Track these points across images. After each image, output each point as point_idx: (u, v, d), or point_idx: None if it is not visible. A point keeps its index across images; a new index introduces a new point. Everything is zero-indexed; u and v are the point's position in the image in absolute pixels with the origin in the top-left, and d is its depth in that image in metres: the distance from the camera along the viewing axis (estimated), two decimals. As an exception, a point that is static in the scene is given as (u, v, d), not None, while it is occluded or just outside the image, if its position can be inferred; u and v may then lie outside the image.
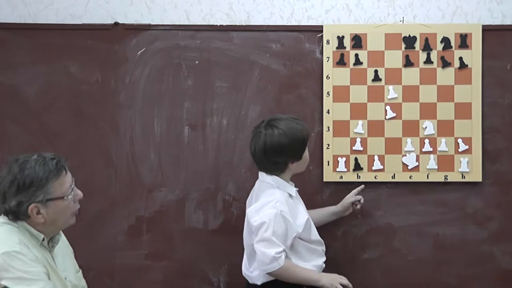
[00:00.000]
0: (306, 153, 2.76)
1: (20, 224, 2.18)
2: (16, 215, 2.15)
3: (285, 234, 2.61)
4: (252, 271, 2.75)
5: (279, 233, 2.59)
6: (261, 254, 2.59)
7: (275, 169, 2.71)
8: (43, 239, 2.20)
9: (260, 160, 2.71)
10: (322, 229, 3.12)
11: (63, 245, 2.35)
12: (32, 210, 2.14)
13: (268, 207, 2.63)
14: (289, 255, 2.65)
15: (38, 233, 2.18)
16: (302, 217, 2.71)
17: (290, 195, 2.72)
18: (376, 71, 3.12)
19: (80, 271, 2.40)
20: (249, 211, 2.72)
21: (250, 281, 2.78)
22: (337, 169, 3.12)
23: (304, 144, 2.72)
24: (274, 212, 2.60)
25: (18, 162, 2.16)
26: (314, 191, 3.12)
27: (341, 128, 3.11)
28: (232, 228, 3.14)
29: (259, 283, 2.71)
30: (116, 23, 3.15)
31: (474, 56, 3.11)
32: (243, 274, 2.83)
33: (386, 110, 3.12)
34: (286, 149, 2.66)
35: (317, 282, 2.66)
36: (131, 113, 3.15)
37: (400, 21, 3.17)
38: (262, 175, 2.75)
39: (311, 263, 2.73)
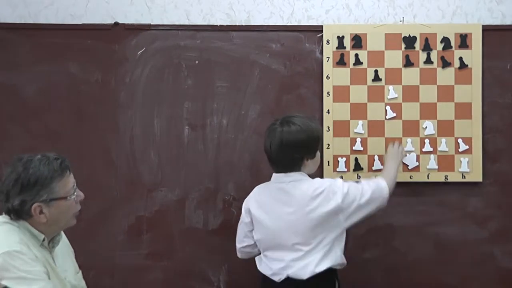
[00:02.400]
0: (319, 154, 2.74)
1: (21, 223, 2.18)
2: (19, 214, 2.15)
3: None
4: (318, 264, 2.64)
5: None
6: (378, 189, 2.70)
7: (293, 165, 2.66)
8: (44, 239, 2.20)
9: (276, 157, 2.66)
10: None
11: (64, 246, 2.34)
12: (35, 209, 2.14)
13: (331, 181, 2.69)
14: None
15: (38, 233, 2.18)
16: None
17: None
18: (376, 71, 3.12)
19: (80, 272, 2.40)
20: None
21: (305, 277, 2.62)
22: (337, 169, 3.12)
23: (319, 141, 2.72)
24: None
25: (22, 161, 2.16)
26: (314, 191, 3.12)
27: (341, 128, 3.11)
28: (232, 228, 3.12)
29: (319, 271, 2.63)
30: (116, 23, 3.16)
31: (474, 56, 3.11)
32: (296, 275, 2.63)
33: (386, 110, 3.12)
34: (303, 145, 2.63)
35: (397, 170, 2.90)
36: (131, 113, 3.15)
37: (400, 21, 3.17)
38: (281, 176, 2.68)
39: None
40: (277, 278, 2.67)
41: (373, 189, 2.68)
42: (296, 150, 2.63)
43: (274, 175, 2.72)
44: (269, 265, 2.70)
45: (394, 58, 3.12)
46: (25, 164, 2.14)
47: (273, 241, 2.69)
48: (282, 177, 2.68)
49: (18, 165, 2.15)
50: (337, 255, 2.69)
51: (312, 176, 2.72)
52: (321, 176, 3.09)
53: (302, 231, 2.63)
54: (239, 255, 2.89)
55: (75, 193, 2.23)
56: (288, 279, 2.64)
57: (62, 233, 2.36)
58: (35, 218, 2.15)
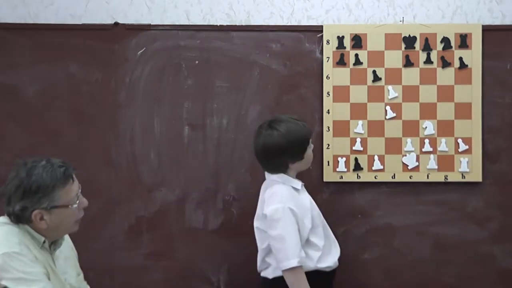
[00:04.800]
0: (309, 152, 2.78)
1: (21, 225, 2.17)
2: (19, 219, 2.15)
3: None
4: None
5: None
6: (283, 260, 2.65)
7: (275, 168, 2.74)
8: (44, 242, 2.20)
9: (260, 160, 2.78)
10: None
11: (66, 248, 2.34)
12: (35, 216, 2.13)
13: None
14: None
15: (39, 236, 2.18)
16: None
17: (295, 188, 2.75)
18: (376, 71, 3.12)
19: (82, 274, 2.40)
20: None
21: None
22: (337, 169, 3.12)
23: (304, 145, 2.74)
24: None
25: (26, 167, 2.15)
26: (314, 191, 3.11)
27: (341, 128, 3.11)
28: (232, 228, 3.14)
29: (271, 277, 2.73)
30: (116, 23, 3.15)
31: (474, 56, 3.11)
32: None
33: (386, 110, 3.12)
34: (284, 151, 2.69)
35: None
36: (131, 113, 3.15)
37: (400, 21, 3.16)
38: (267, 174, 2.79)
39: None
40: None
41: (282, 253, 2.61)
42: (277, 155, 2.70)
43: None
44: None
45: (394, 58, 3.12)
46: (29, 170, 2.13)
47: None
48: (267, 174, 2.80)
49: (22, 170, 2.13)
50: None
51: (310, 176, 2.86)
52: (321, 177, 3.10)
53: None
54: None
55: (78, 201, 2.22)
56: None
57: (66, 236, 2.35)
58: (36, 224, 2.15)
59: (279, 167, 2.73)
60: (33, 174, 2.12)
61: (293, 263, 2.57)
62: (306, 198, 2.77)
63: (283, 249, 2.59)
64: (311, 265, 2.67)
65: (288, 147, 2.68)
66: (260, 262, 2.76)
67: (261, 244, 2.73)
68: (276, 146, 2.68)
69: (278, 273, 2.66)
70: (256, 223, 2.76)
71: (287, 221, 2.61)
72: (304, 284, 2.59)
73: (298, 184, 2.76)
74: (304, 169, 2.84)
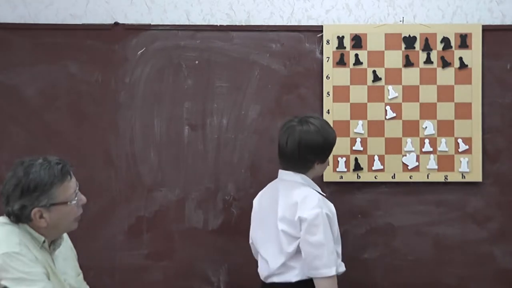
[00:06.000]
0: (329, 159, 2.71)
1: (21, 225, 2.17)
2: (19, 218, 2.15)
3: None
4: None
5: None
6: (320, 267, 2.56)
7: (302, 167, 2.63)
8: (44, 241, 2.20)
9: (291, 155, 2.61)
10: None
11: (66, 248, 2.34)
12: (35, 214, 2.13)
13: None
14: None
15: (39, 235, 2.18)
16: None
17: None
18: (376, 71, 3.12)
19: (81, 274, 2.40)
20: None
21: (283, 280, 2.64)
22: (337, 169, 3.12)
23: (333, 145, 2.67)
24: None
25: (23, 166, 2.15)
26: (314, 191, 3.12)
27: (341, 128, 3.11)
28: (232, 228, 3.14)
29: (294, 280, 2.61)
30: (116, 23, 3.16)
31: (474, 56, 3.11)
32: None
33: (386, 110, 3.12)
34: (319, 148, 2.60)
35: None
36: (131, 113, 3.15)
37: (400, 21, 3.17)
38: (288, 174, 2.64)
39: None
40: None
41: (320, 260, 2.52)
42: (312, 151, 2.59)
43: (280, 171, 2.68)
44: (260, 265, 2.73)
45: (394, 58, 3.12)
46: (26, 169, 2.13)
47: (257, 234, 2.75)
48: (288, 174, 2.65)
49: (19, 169, 2.14)
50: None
51: (316, 179, 2.74)
52: (321, 177, 3.09)
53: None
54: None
55: (76, 198, 2.22)
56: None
57: (66, 236, 2.36)
58: (35, 222, 2.15)
59: (306, 165, 2.62)
60: (31, 172, 2.13)
61: (333, 271, 2.52)
62: (331, 205, 2.65)
63: (321, 256, 2.50)
64: None
65: (323, 144, 2.60)
66: (278, 265, 2.60)
67: (286, 248, 2.56)
68: (314, 141, 2.57)
69: (302, 277, 2.58)
70: (281, 226, 2.57)
71: (326, 227, 2.52)
72: None
73: (319, 189, 2.67)
74: (318, 175, 2.77)
